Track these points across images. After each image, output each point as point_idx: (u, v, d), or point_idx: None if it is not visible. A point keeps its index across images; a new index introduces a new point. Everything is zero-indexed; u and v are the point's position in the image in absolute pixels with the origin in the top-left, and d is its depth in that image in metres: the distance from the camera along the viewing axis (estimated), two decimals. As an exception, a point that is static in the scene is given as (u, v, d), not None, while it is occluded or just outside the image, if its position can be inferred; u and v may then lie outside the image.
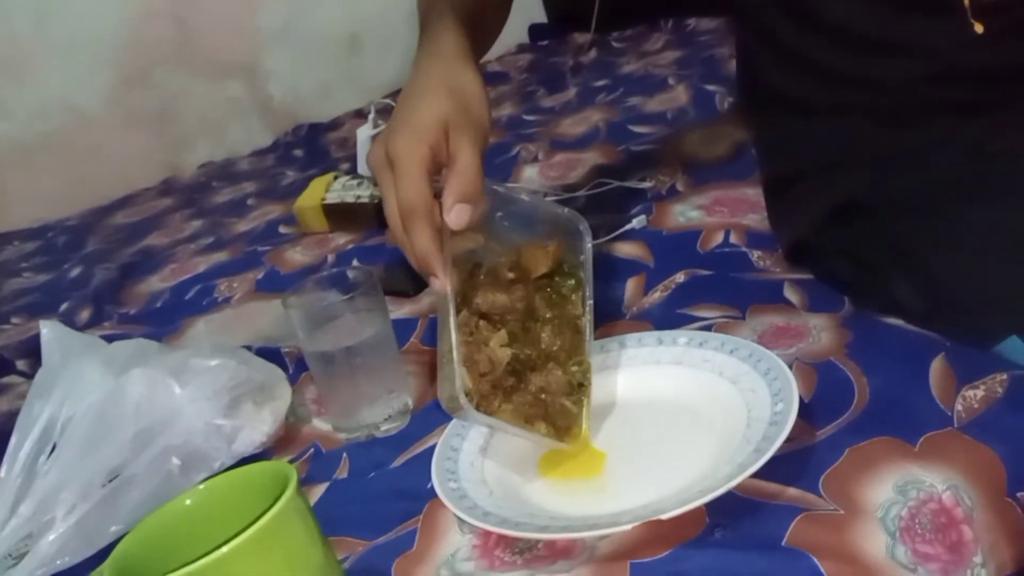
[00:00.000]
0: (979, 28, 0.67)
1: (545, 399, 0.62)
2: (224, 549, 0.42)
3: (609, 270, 0.91)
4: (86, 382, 0.73)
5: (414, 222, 0.58)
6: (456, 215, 0.58)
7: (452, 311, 0.59)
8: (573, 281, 0.65)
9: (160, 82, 2.06)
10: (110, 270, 1.34)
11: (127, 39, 2.00)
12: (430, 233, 0.58)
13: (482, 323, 0.61)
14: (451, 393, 0.58)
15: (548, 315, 0.64)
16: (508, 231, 0.65)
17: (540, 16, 2.21)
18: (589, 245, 0.65)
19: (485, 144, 0.62)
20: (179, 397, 0.71)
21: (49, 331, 0.78)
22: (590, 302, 0.64)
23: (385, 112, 1.46)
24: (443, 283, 0.58)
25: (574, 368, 0.63)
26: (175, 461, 0.69)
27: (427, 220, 0.58)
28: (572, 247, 0.65)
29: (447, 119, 0.60)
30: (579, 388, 0.63)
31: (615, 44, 1.97)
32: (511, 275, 0.63)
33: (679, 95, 1.43)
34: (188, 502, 0.50)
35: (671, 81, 1.52)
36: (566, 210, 0.65)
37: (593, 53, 1.95)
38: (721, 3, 0.85)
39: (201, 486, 0.50)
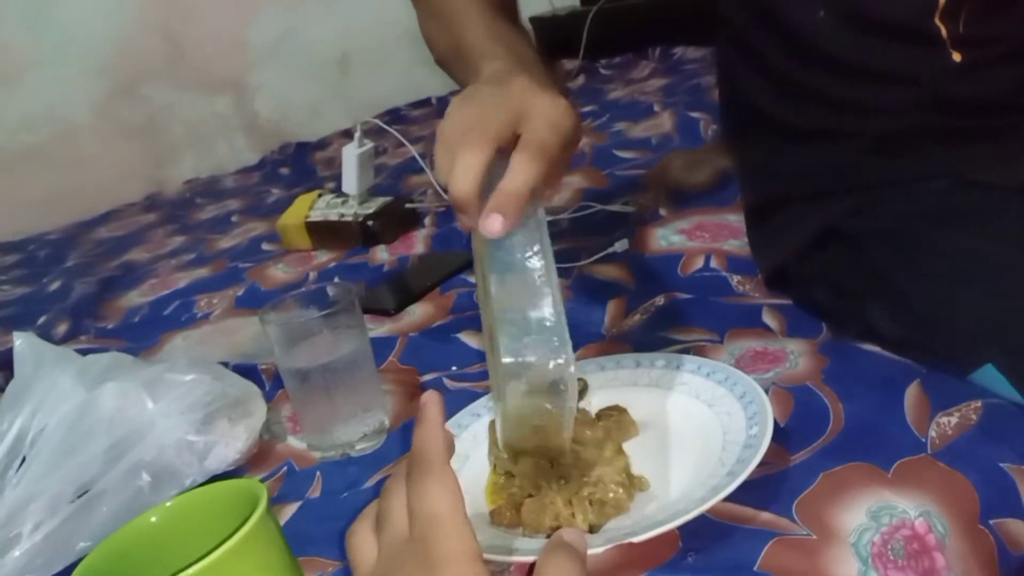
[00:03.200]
0: (957, 57, 0.68)
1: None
2: (189, 572, 0.41)
3: (590, 292, 0.91)
4: (58, 394, 0.72)
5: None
6: (490, 223, 0.50)
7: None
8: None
9: (148, 96, 2.06)
10: (89, 284, 1.34)
11: (116, 51, 2.01)
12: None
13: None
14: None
15: None
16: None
17: (529, 41, 2.23)
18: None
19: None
20: (152, 411, 0.70)
21: (23, 343, 0.78)
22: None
23: (372, 132, 1.46)
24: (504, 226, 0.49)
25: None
26: (145, 477, 0.68)
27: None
28: None
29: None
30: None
31: (602, 71, 1.98)
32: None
33: (664, 122, 1.44)
34: (154, 519, 0.49)
35: (657, 108, 1.53)
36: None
37: (581, 79, 1.97)
38: (708, 28, 0.86)
39: (168, 503, 0.49)
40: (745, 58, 0.80)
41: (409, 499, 0.42)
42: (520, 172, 0.51)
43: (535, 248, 0.52)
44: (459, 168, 0.51)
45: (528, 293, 0.51)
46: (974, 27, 0.67)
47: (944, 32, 0.67)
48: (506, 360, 0.51)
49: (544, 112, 0.53)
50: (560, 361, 0.50)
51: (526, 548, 0.53)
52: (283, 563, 0.46)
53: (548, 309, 0.51)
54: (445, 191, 0.56)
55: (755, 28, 0.76)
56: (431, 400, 0.46)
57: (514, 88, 0.55)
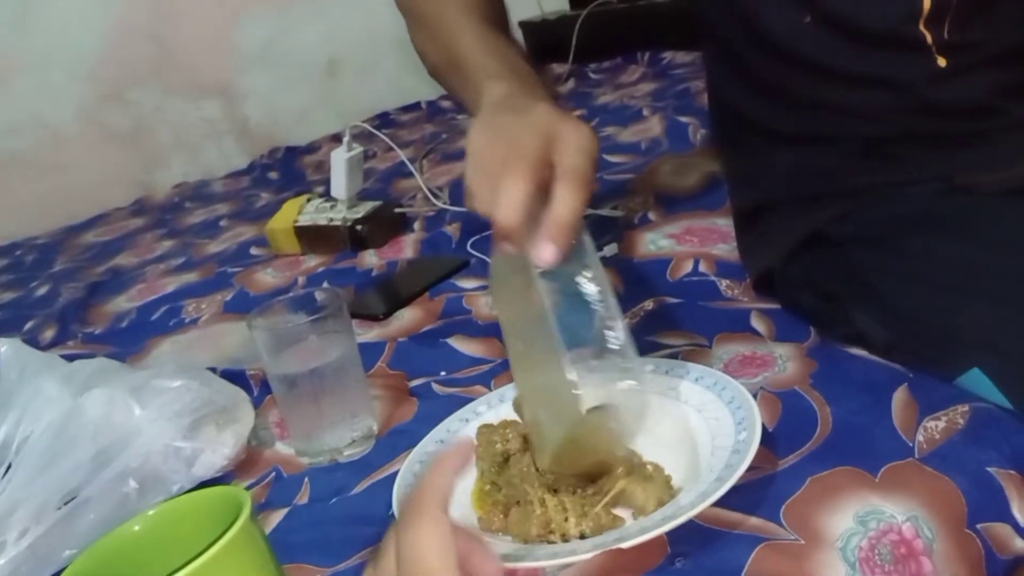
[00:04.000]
0: (942, 62, 0.69)
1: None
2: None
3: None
4: (44, 401, 0.71)
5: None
6: (544, 252, 0.52)
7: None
8: None
9: (135, 100, 2.05)
10: (77, 289, 1.33)
11: (103, 56, 2.00)
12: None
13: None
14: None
15: None
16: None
17: (519, 45, 2.23)
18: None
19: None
20: (139, 418, 0.70)
21: (8, 349, 0.77)
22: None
23: (361, 136, 1.46)
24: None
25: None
26: (132, 484, 0.68)
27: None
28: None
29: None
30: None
31: (592, 75, 1.99)
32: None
33: (653, 126, 1.44)
34: (136, 528, 0.48)
35: (646, 112, 1.53)
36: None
37: (570, 83, 1.97)
38: (695, 34, 0.86)
39: (151, 511, 0.49)
40: (729, 65, 0.81)
41: (398, 542, 0.41)
42: (566, 201, 0.52)
43: (588, 274, 0.53)
44: (504, 198, 0.52)
45: (588, 318, 0.53)
46: (958, 32, 0.68)
47: (929, 38, 0.68)
48: (572, 378, 0.51)
49: (574, 139, 0.54)
50: (630, 382, 0.52)
51: (514, 555, 0.53)
52: (267, 571, 0.46)
53: (611, 333, 0.52)
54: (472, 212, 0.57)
55: (739, 36, 0.76)
56: (459, 450, 0.45)
57: (539, 115, 0.56)
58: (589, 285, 0.53)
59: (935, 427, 0.59)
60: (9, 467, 0.69)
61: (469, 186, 0.56)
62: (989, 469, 0.56)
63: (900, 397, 0.62)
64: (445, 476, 0.43)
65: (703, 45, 0.86)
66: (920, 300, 0.68)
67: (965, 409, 0.60)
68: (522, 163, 0.53)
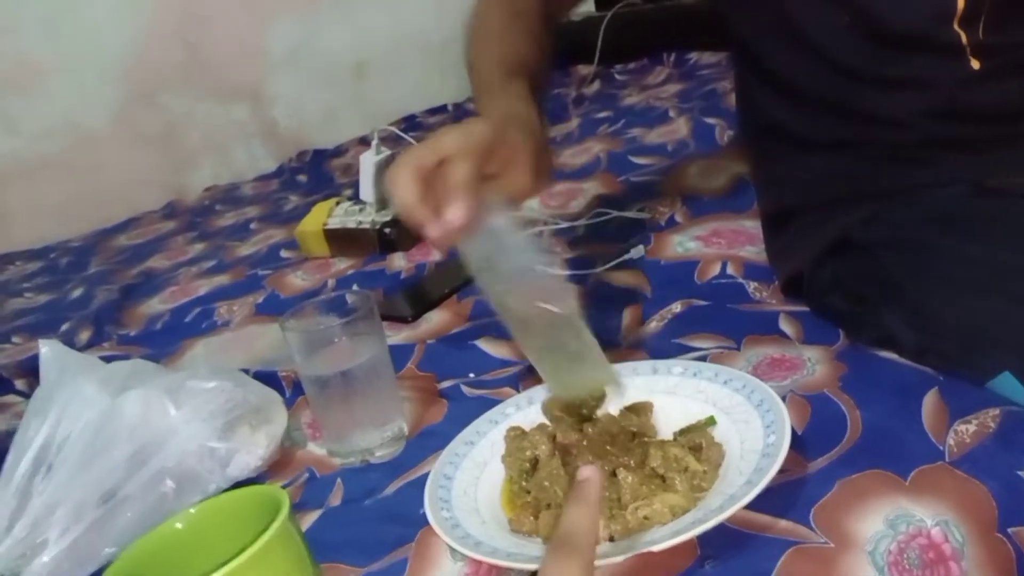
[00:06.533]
0: (976, 65, 0.68)
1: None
2: (214, 576, 0.42)
3: (606, 299, 0.92)
4: (82, 402, 0.73)
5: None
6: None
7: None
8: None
9: (166, 104, 2.08)
10: (111, 291, 1.35)
11: (135, 60, 2.03)
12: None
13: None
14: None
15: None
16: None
17: (545, 47, 2.24)
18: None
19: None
20: (174, 418, 0.71)
21: (48, 351, 0.79)
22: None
23: (389, 139, 1.48)
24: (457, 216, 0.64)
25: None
26: (169, 483, 0.69)
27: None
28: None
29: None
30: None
31: (618, 76, 1.99)
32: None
33: (680, 127, 1.44)
34: (178, 525, 0.50)
35: (672, 114, 1.53)
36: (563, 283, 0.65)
37: (596, 85, 1.98)
38: (722, 38, 0.86)
39: (192, 509, 0.50)
40: (758, 69, 0.81)
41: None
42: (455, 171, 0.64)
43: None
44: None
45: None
46: (993, 34, 0.68)
47: (964, 39, 0.68)
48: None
49: (456, 129, 0.66)
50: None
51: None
52: (305, 569, 0.47)
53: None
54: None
55: (770, 38, 0.76)
56: (593, 479, 0.47)
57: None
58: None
59: (966, 431, 0.59)
60: (50, 467, 0.71)
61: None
62: (1020, 473, 0.56)
63: (930, 400, 0.62)
64: (594, 516, 0.45)
65: (730, 48, 0.87)
66: (950, 303, 0.67)
67: (996, 413, 0.60)
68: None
